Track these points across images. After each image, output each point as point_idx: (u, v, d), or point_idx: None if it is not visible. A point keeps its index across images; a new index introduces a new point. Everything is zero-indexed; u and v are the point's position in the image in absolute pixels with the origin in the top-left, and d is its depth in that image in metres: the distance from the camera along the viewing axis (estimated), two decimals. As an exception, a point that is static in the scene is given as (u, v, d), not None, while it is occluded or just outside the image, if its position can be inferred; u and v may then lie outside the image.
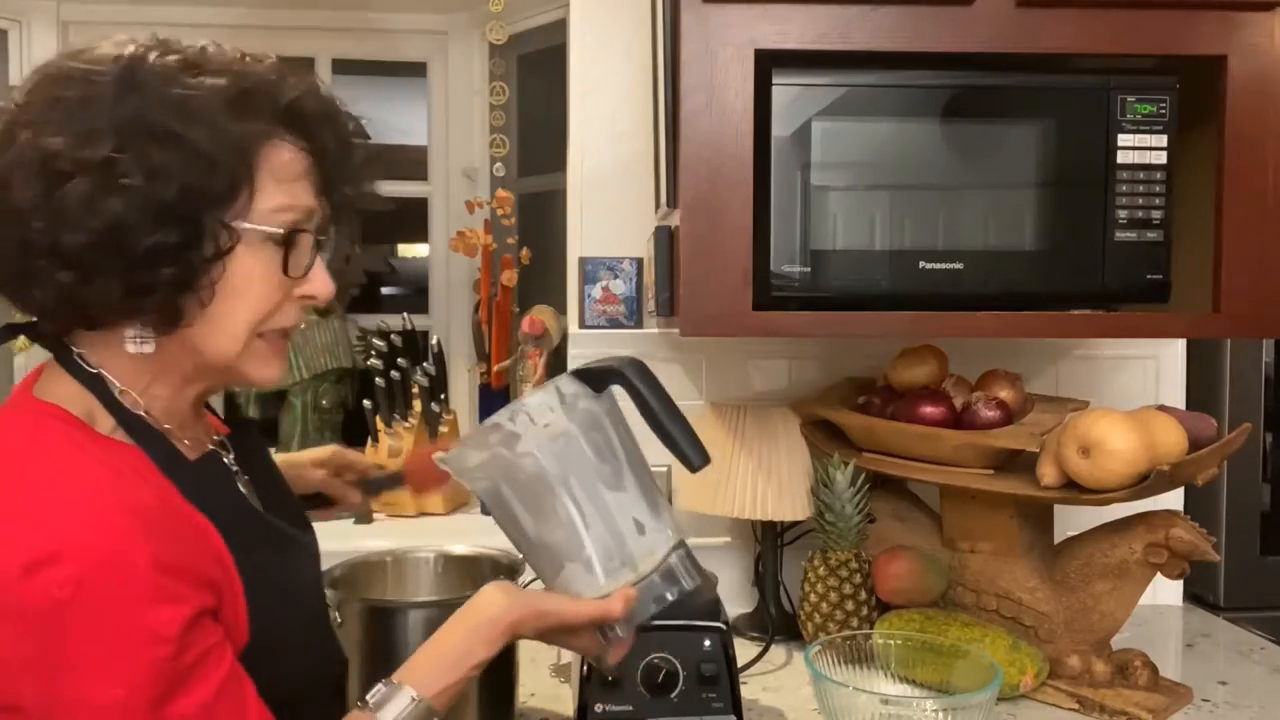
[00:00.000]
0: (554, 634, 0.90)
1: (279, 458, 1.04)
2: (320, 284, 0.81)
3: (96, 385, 0.75)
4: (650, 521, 0.91)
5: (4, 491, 0.69)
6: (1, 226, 0.70)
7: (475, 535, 1.78)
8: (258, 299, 0.77)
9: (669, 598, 0.91)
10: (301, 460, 1.13)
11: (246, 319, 0.77)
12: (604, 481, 0.90)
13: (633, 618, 0.90)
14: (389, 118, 2.36)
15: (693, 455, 0.92)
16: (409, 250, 2.38)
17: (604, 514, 0.89)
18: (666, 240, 1.54)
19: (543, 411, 0.88)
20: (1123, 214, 1.35)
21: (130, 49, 0.73)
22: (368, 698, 0.80)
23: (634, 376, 0.92)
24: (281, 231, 0.76)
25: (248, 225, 0.74)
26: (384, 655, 1.13)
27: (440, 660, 0.83)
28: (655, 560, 0.91)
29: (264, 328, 0.79)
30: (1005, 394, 1.48)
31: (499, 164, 1.98)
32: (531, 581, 1.12)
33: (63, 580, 0.64)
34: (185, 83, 0.72)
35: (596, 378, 0.92)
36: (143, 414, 0.78)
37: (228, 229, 0.73)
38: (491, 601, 0.86)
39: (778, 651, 1.53)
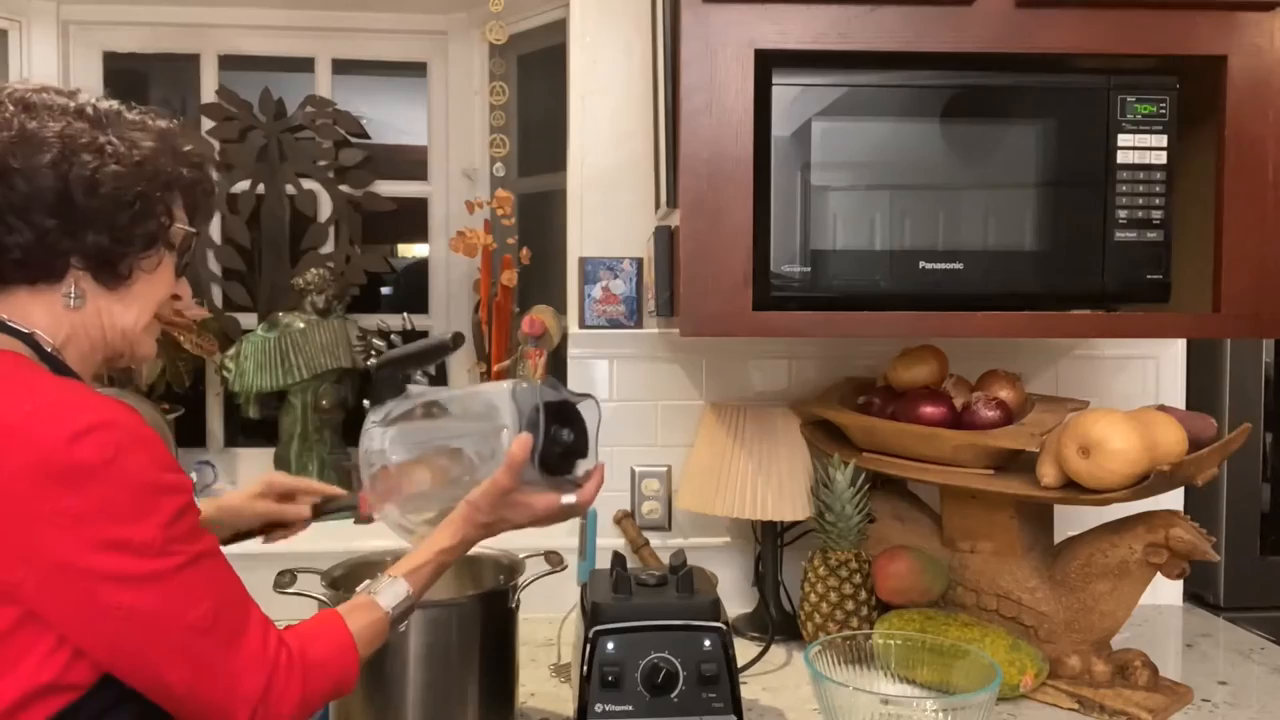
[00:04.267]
0: (511, 510, 1.06)
1: (215, 503, 1.18)
2: (186, 289, 1.03)
3: (29, 340, 0.89)
4: (491, 403, 1.09)
5: (26, 391, 0.82)
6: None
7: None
8: (162, 285, 0.97)
9: (553, 402, 1.07)
10: (238, 502, 1.22)
11: (155, 298, 0.97)
12: (445, 426, 1.13)
13: (539, 451, 1.06)
14: (389, 118, 2.36)
15: (450, 343, 1.20)
16: (409, 250, 2.37)
17: (464, 435, 1.11)
18: (666, 240, 1.54)
19: (375, 440, 1.14)
20: (1123, 214, 1.35)
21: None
22: (358, 589, 1.01)
23: (392, 364, 1.19)
24: (192, 231, 1.00)
25: (174, 225, 0.97)
26: (384, 655, 1.13)
27: (413, 556, 1.03)
28: (513, 409, 1.07)
29: (158, 309, 0.99)
30: (1005, 394, 1.48)
31: (499, 164, 1.98)
32: (530, 582, 1.29)
33: (105, 442, 0.78)
34: (147, 123, 0.97)
35: (385, 389, 1.17)
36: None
37: (170, 217, 0.96)
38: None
39: (778, 651, 1.53)
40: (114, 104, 0.94)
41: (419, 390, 1.18)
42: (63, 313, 0.90)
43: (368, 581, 1.01)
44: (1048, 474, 1.33)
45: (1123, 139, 1.34)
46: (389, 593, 0.99)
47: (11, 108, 0.88)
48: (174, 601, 0.81)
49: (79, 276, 0.91)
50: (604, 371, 1.75)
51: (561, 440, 1.06)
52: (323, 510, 1.26)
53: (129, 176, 0.90)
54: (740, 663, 1.26)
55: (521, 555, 1.32)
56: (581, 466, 1.09)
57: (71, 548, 0.78)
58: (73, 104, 0.91)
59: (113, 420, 0.80)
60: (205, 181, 1.01)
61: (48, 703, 0.79)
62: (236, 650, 0.84)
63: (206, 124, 2.13)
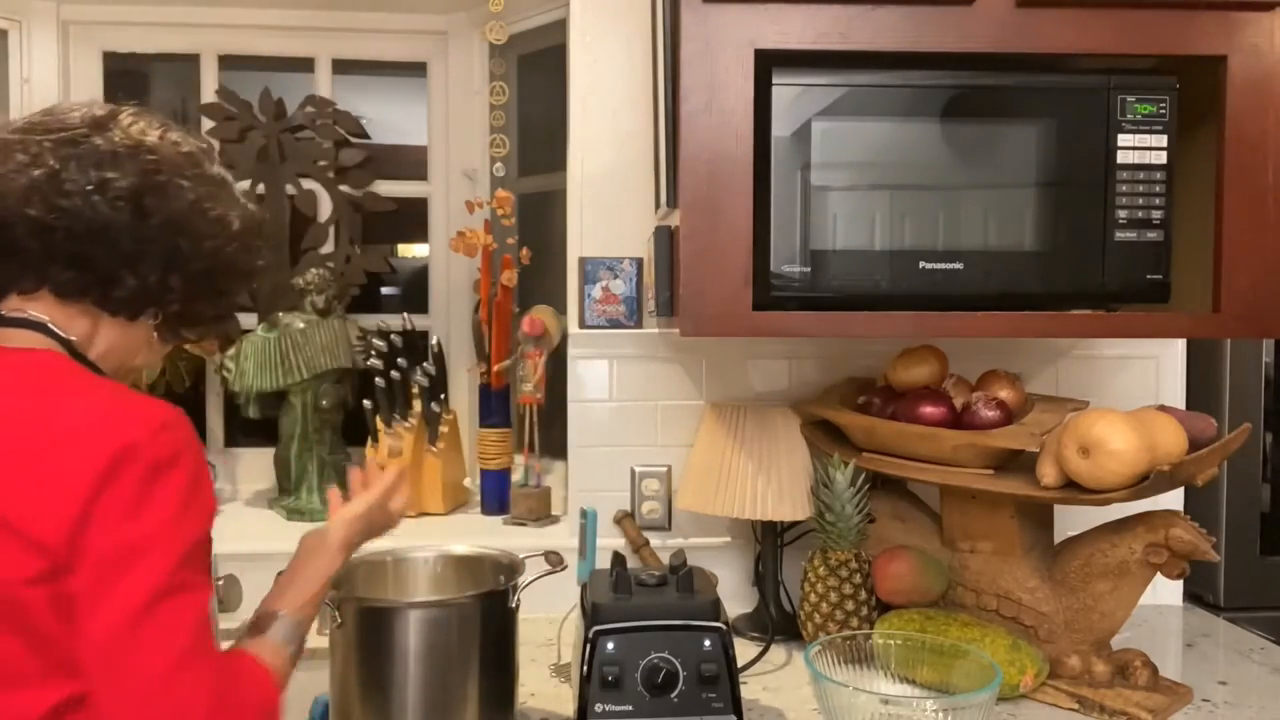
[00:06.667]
0: (371, 527, 1.12)
1: None
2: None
3: (67, 346, 0.92)
4: None
5: (100, 387, 0.87)
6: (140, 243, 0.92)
7: (475, 535, 1.79)
8: None
9: None
10: None
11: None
12: None
13: None
14: (389, 118, 2.36)
15: None
16: (409, 250, 2.37)
17: None
18: (666, 240, 1.54)
19: None
20: (1123, 214, 1.35)
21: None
22: (249, 624, 0.97)
23: None
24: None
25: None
26: (384, 655, 1.13)
27: (299, 584, 1.02)
28: None
29: None
30: (1005, 394, 1.48)
31: (499, 164, 1.98)
32: (530, 582, 1.23)
33: (177, 439, 0.84)
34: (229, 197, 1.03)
35: None
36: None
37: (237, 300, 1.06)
38: (319, 533, 1.08)
39: (778, 651, 1.54)
40: (201, 148, 0.99)
41: None
42: (107, 331, 0.95)
43: (262, 615, 0.97)
44: (1048, 474, 1.33)
45: (1123, 139, 1.34)
46: (291, 632, 0.96)
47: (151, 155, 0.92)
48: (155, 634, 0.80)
49: (151, 324, 0.97)
50: (604, 371, 1.75)
51: None
52: None
53: (224, 270, 0.98)
54: (740, 663, 1.26)
55: (521, 555, 1.32)
56: None
57: (114, 536, 0.80)
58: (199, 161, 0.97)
59: (177, 418, 0.85)
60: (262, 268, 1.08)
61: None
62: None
63: (206, 124, 2.13)
